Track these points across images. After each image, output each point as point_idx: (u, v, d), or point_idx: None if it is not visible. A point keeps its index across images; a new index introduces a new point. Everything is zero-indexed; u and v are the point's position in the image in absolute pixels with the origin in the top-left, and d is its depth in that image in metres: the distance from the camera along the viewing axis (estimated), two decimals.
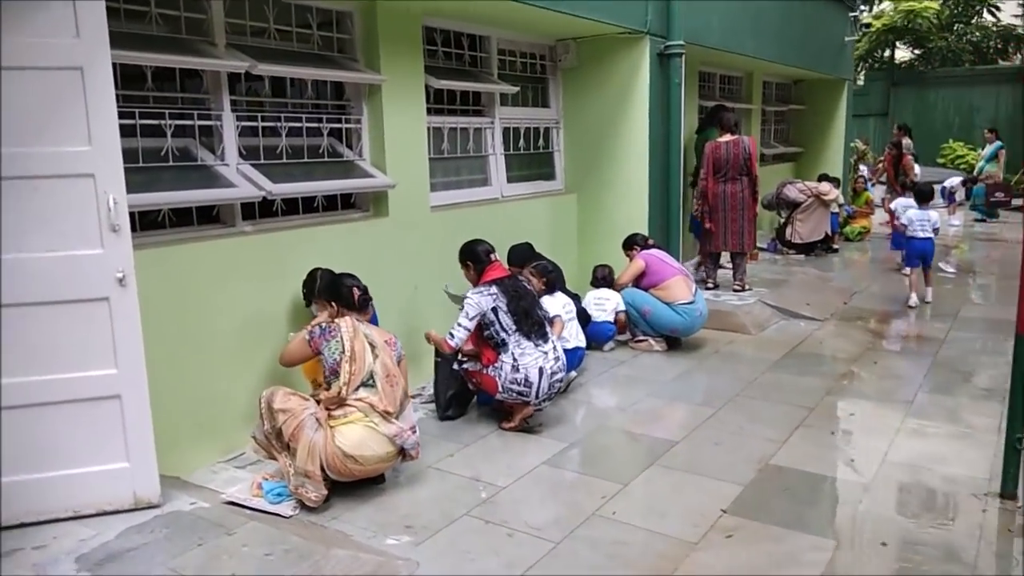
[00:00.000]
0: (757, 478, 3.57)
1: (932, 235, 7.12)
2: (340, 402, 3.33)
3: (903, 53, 20.35)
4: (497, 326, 4.11)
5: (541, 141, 6.48)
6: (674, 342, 5.78)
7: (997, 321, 6.27)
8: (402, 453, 3.45)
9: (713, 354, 5.63)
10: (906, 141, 11.80)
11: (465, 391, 4.39)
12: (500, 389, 4.08)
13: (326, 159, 4.55)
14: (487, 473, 3.67)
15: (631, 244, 5.93)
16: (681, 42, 6.26)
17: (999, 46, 19.27)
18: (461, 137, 5.62)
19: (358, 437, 3.27)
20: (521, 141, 6.23)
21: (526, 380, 4.04)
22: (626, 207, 6.46)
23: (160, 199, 3.60)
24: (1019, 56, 19.15)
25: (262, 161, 4.16)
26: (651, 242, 6.02)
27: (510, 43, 6.08)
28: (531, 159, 6.41)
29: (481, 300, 4.13)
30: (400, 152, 4.82)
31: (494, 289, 4.17)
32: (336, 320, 3.50)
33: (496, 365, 4.09)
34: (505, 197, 6.02)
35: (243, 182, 3.93)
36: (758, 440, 4.00)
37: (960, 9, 18.90)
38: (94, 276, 2.93)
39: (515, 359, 4.05)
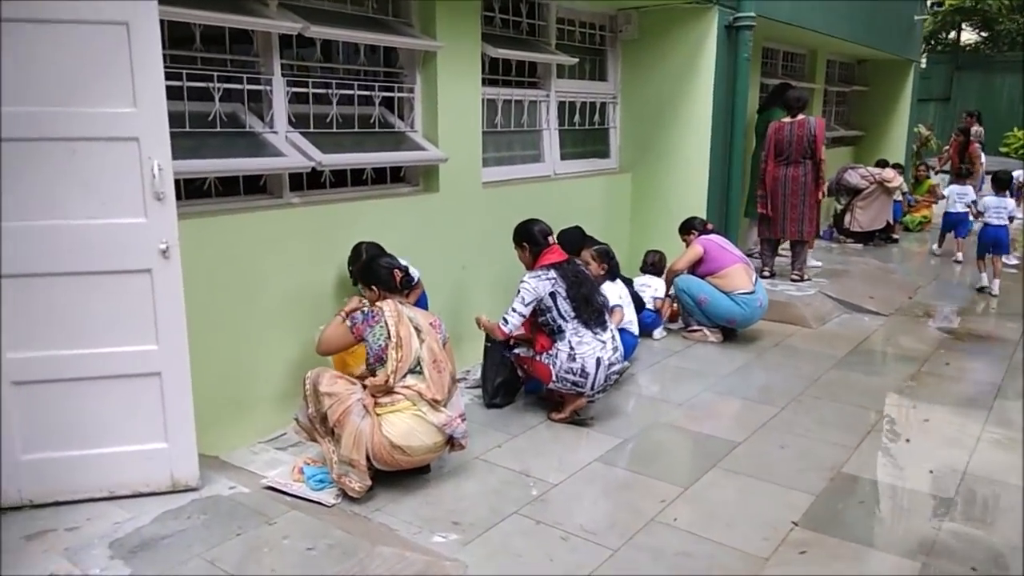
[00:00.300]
0: (829, 487, 3.31)
1: (1007, 223, 6.72)
2: (387, 390, 3.15)
3: (969, 35, 19.44)
4: (554, 312, 3.89)
5: (597, 117, 6.19)
6: (729, 333, 5.51)
7: None
8: (450, 442, 3.27)
9: (772, 348, 5.35)
10: (976, 128, 11.25)
11: (514, 379, 4.19)
12: (554, 378, 3.87)
13: (377, 130, 4.34)
14: (537, 468, 3.47)
15: (689, 228, 5.64)
16: (752, 14, 5.90)
17: None
18: (516, 110, 5.37)
19: (406, 427, 3.09)
20: (577, 116, 5.95)
21: (582, 370, 3.82)
22: (683, 189, 6.16)
23: (207, 167, 3.42)
24: None
25: (311, 130, 3.96)
26: (710, 227, 5.72)
27: (569, 11, 5.79)
28: (585, 135, 6.13)
29: (539, 285, 3.91)
30: (453, 124, 4.59)
31: (552, 273, 3.94)
32: (378, 304, 3.29)
33: (551, 352, 3.87)
34: (558, 175, 5.76)
35: (292, 151, 3.74)
36: (827, 445, 3.74)
37: None
38: (136, 246, 2.77)
39: (572, 347, 3.82)
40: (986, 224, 6.86)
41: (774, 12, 6.53)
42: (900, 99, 11.54)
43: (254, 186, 3.82)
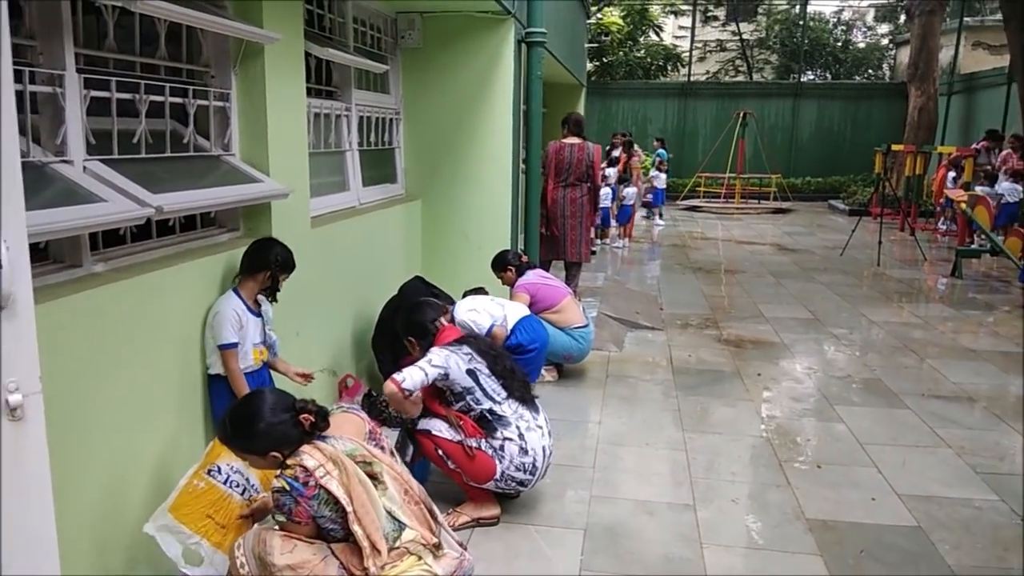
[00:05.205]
0: (825, 541, 3.08)
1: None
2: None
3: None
4: (478, 394, 3.06)
5: (385, 135, 5.30)
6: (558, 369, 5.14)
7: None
8: None
9: (607, 380, 5.09)
10: (636, 148, 12.58)
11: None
12: (498, 476, 3.03)
13: (192, 154, 2.99)
14: None
15: (504, 265, 5.10)
16: (543, 29, 5.57)
17: (661, 63, 21.85)
18: (324, 126, 4.26)
19: None
20: (372, 134, 5.00)
21: (533, 465, 3.07)
22: (483, 217, 5.60)
23: None
24: (677, 73, 21.95)
25: (116, 156, 2.53)
26: (525, 259, 5.26)
27: (357, 9, 4.81)
28: (376, 157, 5.20)
29: (451, 358, 3.05)
30: (284, 145, 3.42)
31: (467, 348, 3.11)
32: (301, 462, 2.15)
33: (495, 443, 3.03)
34: (363, 204, 4.76)
35: (109, 192, 2.31)
36: (771, 488, 3.54)
37: (633, 27, 20.99)
38: None
39: (522, 436, 3.03)
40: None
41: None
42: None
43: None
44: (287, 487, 2.08)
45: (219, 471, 2.48)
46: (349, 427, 2.27)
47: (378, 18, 5.16)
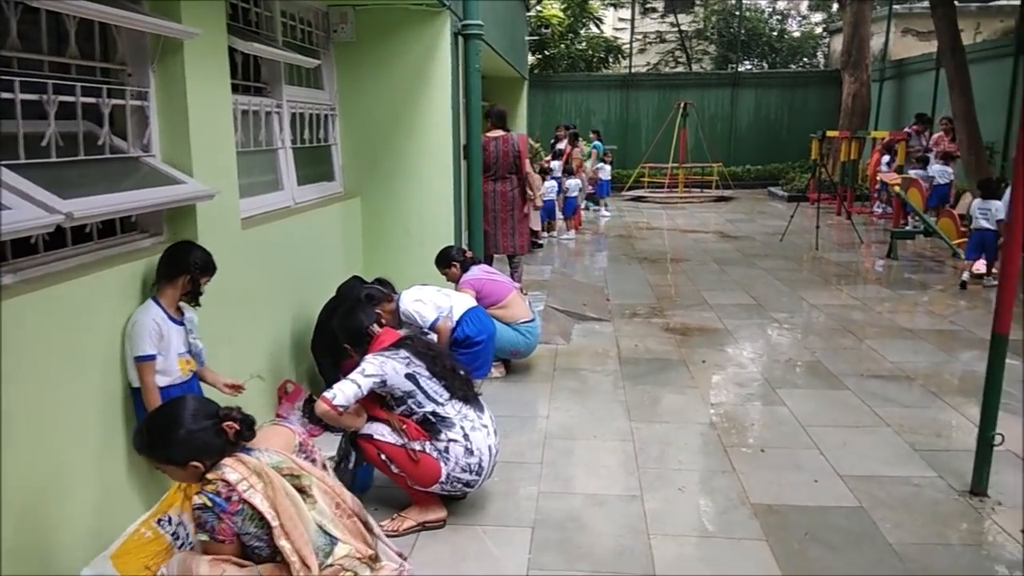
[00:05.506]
0: (770, 525, 3.11)
1: None
2: None
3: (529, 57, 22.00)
4: (420, 397, 3.00)
5: (321, 132, 5.16)
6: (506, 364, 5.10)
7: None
8: None
9: (555, 373, 5.07)
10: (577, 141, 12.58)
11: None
12: (443, 479, 2.97)
13: (109, 156, 2.85)
14: None
15: (448, 261, 5.03)
16: (480, 22, 5.50)
17: (603, 56, 21.96)
18: (254, 124, 4.12)
19: None
20: (306, 131, 4.87)
21: (479, 465, 3.02)
22: (425, 213, 5.52)
23: None
24: (619, 64, 22.09)
25: (23, 160, 2.38)
26: (469, 254, 5.21)
27: (285, 2, 4.67)
28: (312, 155, 5.06)
29: (387, 363, 2.99)
30: (208, 144, 3.29)
31: (404, 352, 3.04)
32: (223, 475, 2.06)
33: (440, 445, 2.96)
34: (298, 204, 4.63)
35: (14, 199, 2.17)
36: (717, 475, 3.56)
37: (574, 20, 21.04)
38: None
39: (467, 437, 2.97)
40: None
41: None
42: (518, 113, 12.42)
43: None
44: (209, 503, 1.98)
45: (169, 522, 2.38)
46: (277, 440, 2.19)
47: (308, 12, 5.02)
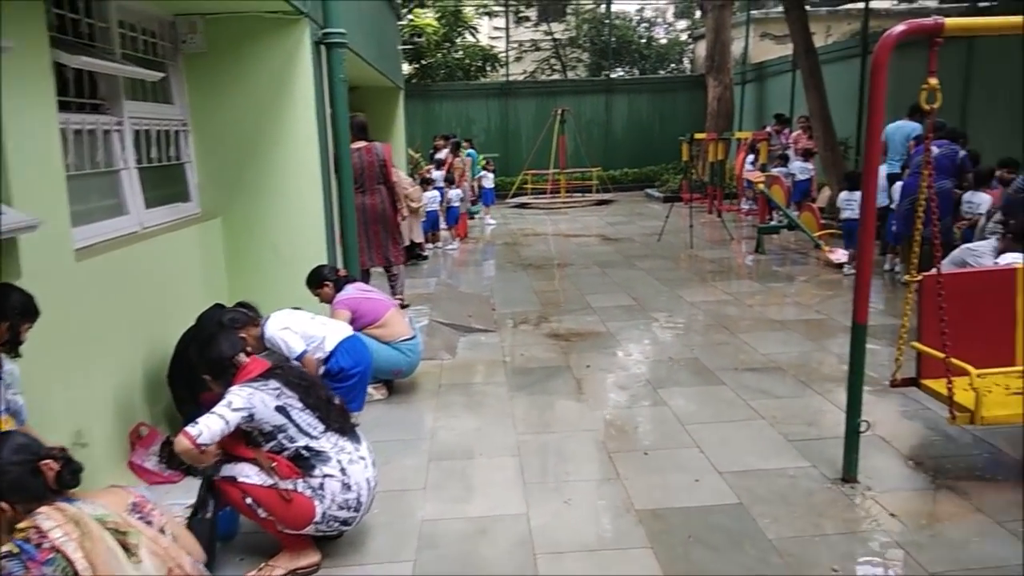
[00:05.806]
0: (654, 531, 3.09)
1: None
2: None
3: (405, 67, 21.76)
4: (292, 431, 2.80)
5: (172, 149, 4.81)
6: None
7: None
8: None
9: (440, 390, 4.93)
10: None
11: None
12: (318, 518, 2.77)
13: None
14: None
15: (320, 280, 4.78)
16: (343, 30, 5.29)
17: (480, 64, 22.00)
18: (90, 143, 3.76)
19: None
20: (154, 149, 4.51)
21: (357, 501, 2.84)
22: (294, 232, 5.24)
23: None
24: (496, 73, 22.20)
25: None
26: (342, 273, 4.99)
27: (125, 12, 4.31)
28: (162, 174, 4.70)
29: (255, 396, 2.77)
30: (30, 168, 2.94)
31: (274, 383, 2.82)
32: (36, 523, 1.83)
33: (313, 482, 2.76)
34: (146, 229, 4.28)
35: None
36: (603, 483, 3.53)
37: (449, 28, 20.97)
38: None
39: (344, 471, 2.79)
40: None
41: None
42: (395, 122, 12.20)
43: None
44: (16, 550, 1.75)
45: None
46: (109, 498, 1.95)
47: (152, 21, 4.66)
